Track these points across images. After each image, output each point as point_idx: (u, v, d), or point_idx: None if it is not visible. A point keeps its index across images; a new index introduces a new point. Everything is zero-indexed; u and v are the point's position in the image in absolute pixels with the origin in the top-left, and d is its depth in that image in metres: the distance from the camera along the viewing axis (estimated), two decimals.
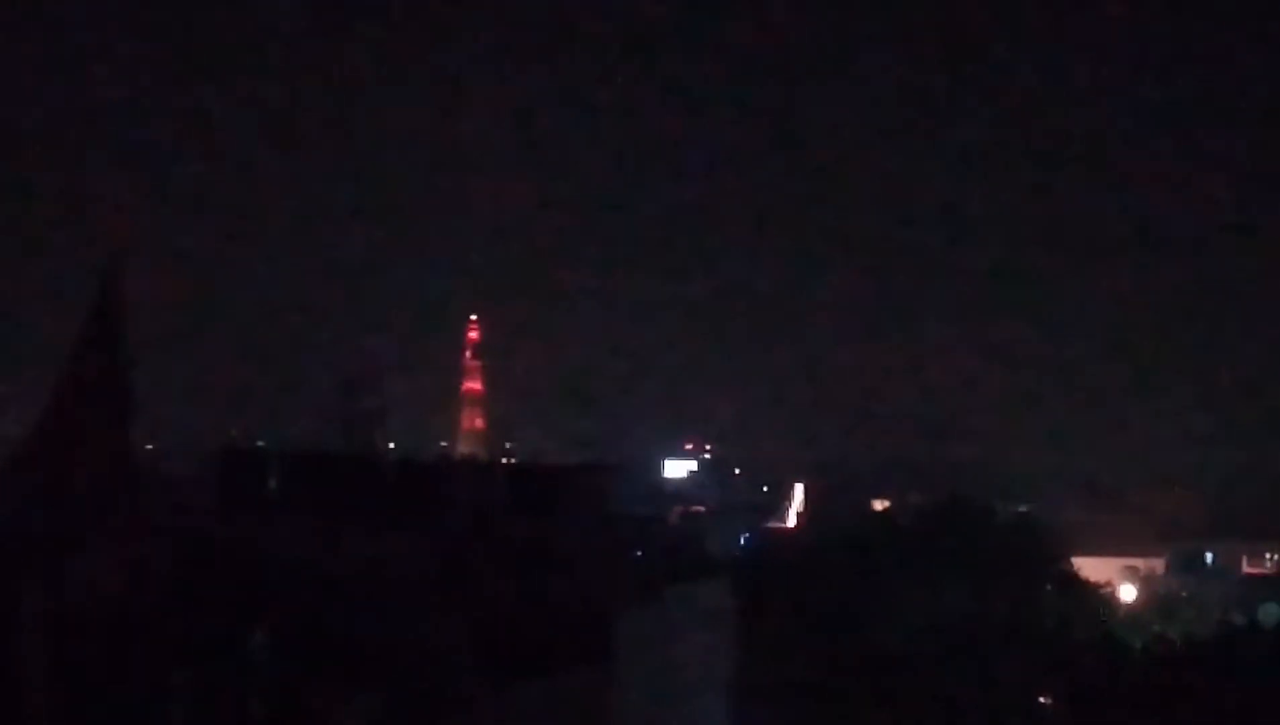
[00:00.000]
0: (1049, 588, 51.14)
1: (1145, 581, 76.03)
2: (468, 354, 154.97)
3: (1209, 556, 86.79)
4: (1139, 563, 79.85)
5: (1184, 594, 71.74)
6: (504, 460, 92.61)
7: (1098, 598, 56.69)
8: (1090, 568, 60.49)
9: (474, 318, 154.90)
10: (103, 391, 20.08)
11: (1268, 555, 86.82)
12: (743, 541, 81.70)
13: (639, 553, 51.27)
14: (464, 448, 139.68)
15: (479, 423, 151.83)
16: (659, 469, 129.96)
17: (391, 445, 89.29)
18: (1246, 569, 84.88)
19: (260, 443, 69.06)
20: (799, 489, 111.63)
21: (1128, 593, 70.51)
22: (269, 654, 25.20)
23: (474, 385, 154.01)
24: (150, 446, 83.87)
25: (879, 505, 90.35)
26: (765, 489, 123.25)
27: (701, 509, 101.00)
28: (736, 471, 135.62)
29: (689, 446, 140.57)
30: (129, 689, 20.12)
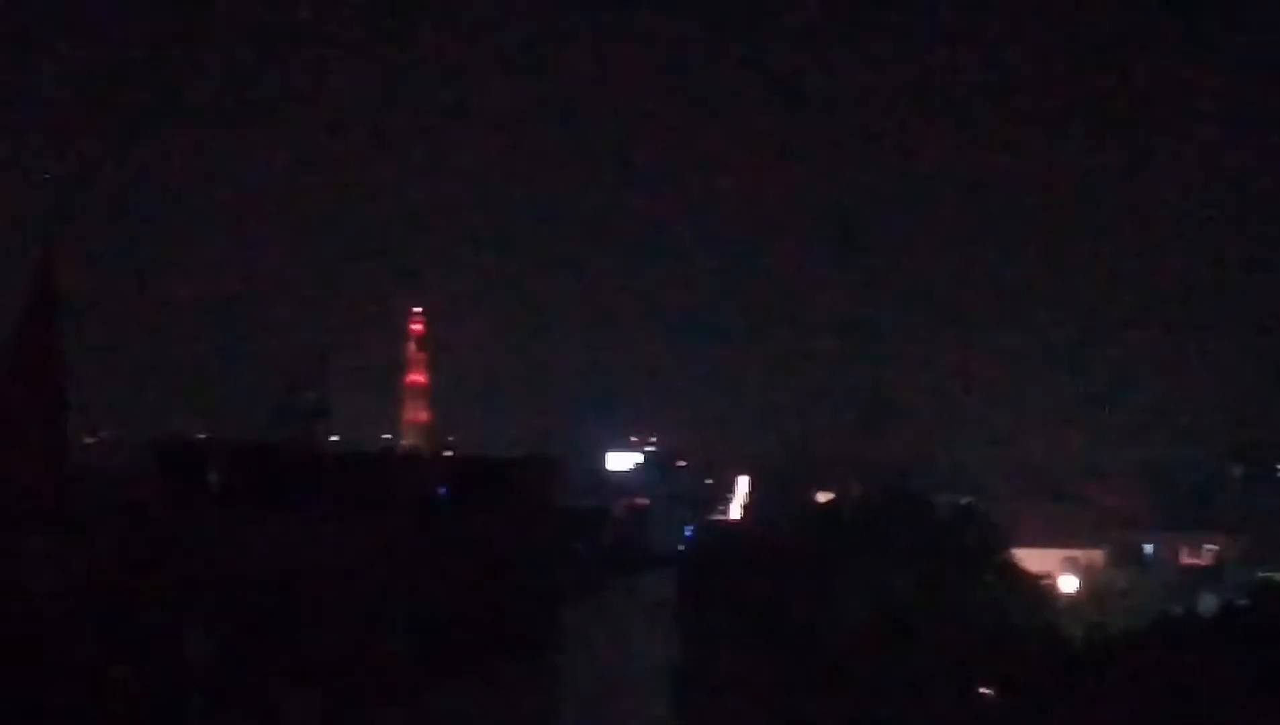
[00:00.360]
0: (989, 579, 51.39)
1: (1085, 572, 76.44)
2: (411, 346, 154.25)
3: (1148, 548, 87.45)
4: (1079, 554, 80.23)
5: (1123, 585, 72.18)
6: (447, 453, 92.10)
7: (1038, 589, 56.99)
8: (1031, 559, 60.81)
9: (417, 310, 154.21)
10: (38, 385, 19.91)
11: (1206, 547, 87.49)
12: (687, 534, 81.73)
13: (583, 545, 51.24)
14: (407, 441, 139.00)
15: (422, 416, 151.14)
16: (603, 461, 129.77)
17: (334, 438, 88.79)
18: (1185, 560, 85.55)
19: (201, 436, 68.46)
20: (743, 481, 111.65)
21: (1068, 584, 70.93)
22: (208, 648, 25.02)
23: (418, 378, 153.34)
24: (90, 440, 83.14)
25: (822, 497, 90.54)
26: (709, 481, 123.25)
27: (645, 502, 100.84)
28: (680, 464, 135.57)
29: (633, 439, 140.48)
30: (66, 684, 19.91)
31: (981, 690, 42.62)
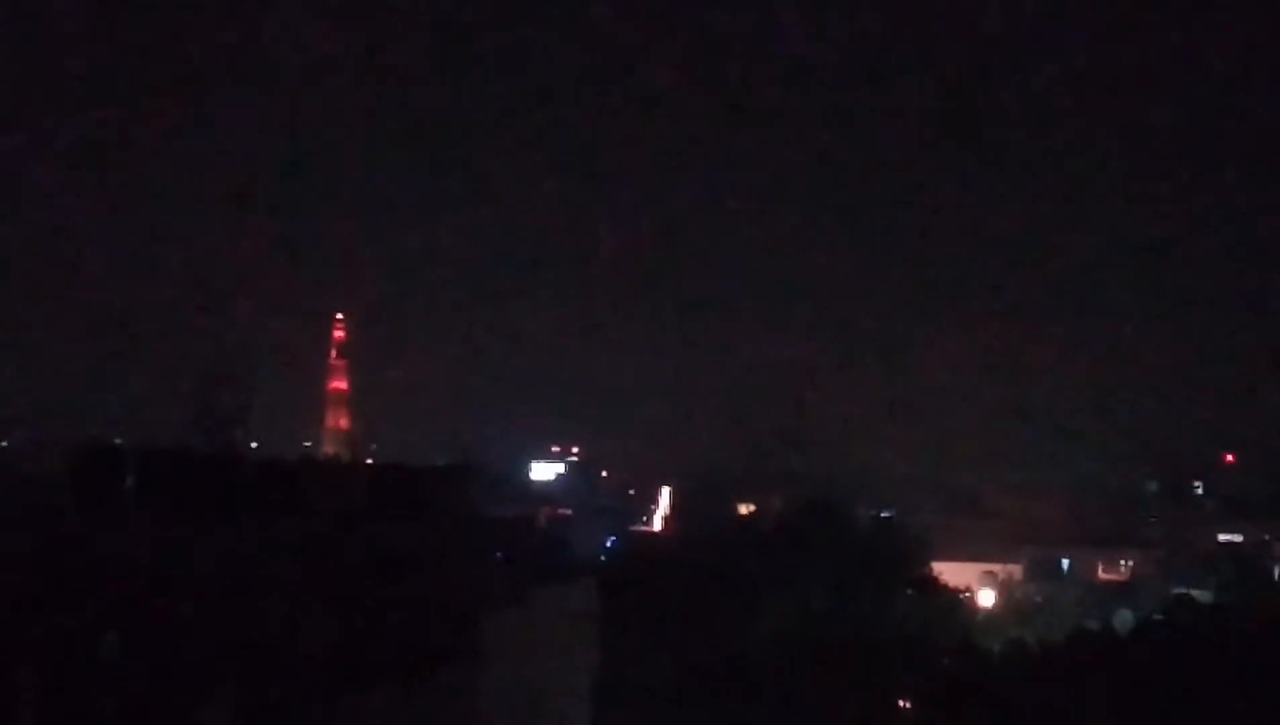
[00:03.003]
0: (909, 592, 51.67)
1: (1003, 587, 76.96)
2: (333, 353, 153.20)
3: (1065, 563, 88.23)
4: (997, 568, 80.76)
5: (1040, 599, 72.76)
6: (369, 461, 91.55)
7: (956, 602, 57.36)
8: (950, 572, 61.18)
9: (340, 316, 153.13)
10: None
11: (1122, 562, 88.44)
12: (609, 544, 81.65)
13: (506, 554, 51.02)
14: (329, 448, 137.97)
15: (344, 423, 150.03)
16: (526, 471, 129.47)
17: (254, 444, 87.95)
18: (1102, 575, 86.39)
19: (118, 441, 67.61)
20: (665, 492, 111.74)
21: (986, 597, 71.40)
22: (121, 653, 24.65)
23: (339, 384, 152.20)
24: (4, 443, 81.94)
25: (744, 509, 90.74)
26: (632, 492, 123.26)
27: (568, 512, 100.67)
28: (604, 474, 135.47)
29: (556, 449, 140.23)
30: None
31: (900, 702, 42.83)
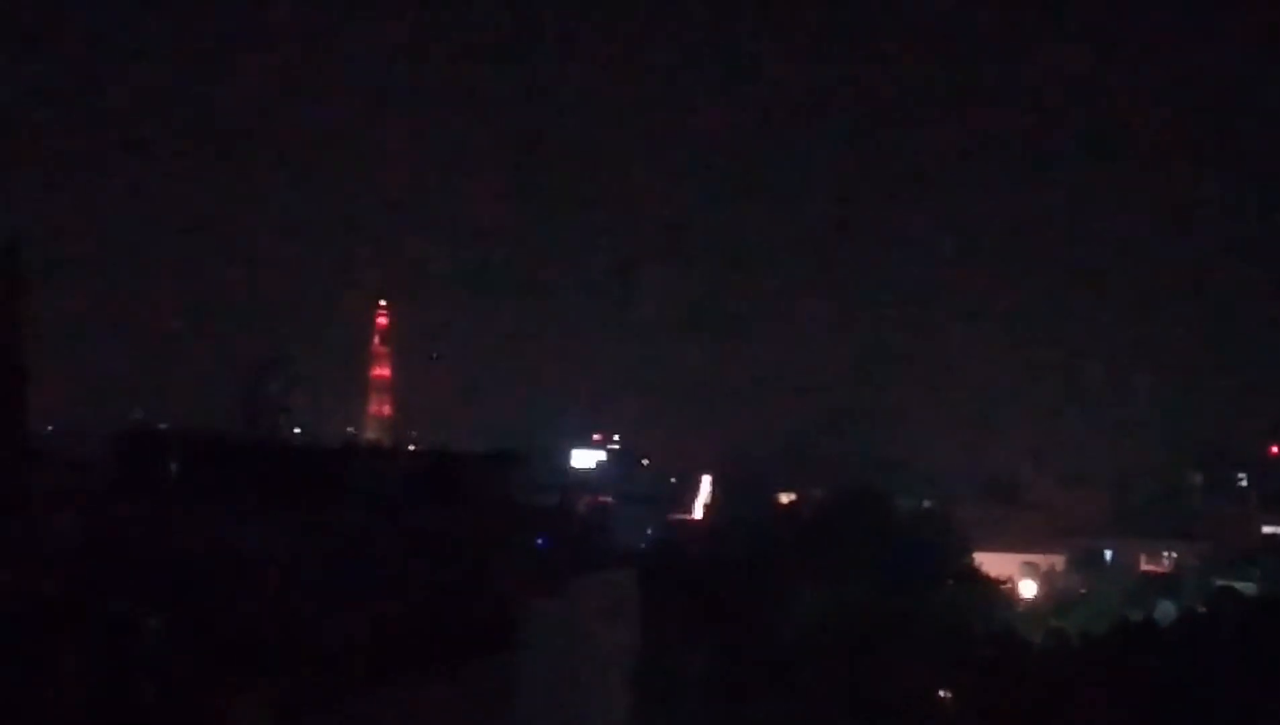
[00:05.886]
0: (950, 582, 51.51)
1: (1045, 577, 76.62)
2: (376, 340, 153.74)
3: (1108, 554, 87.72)
4: (1039, 559, 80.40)
5: (1082, 591, 72.40)
6: (411, 448, 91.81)
7: (998, 593, 57.13)
8: (991, 563, 60.97)
9: (383, 303, 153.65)
10: None
11: (1165, 554, 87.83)
12: (649, 533, 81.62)
13: (546, 542, 51.08)
14: (371, 434, 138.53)
15: (386, 409, 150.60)
16: (566, 459, 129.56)
17: (297, 431, 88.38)
18: (1144, 567, 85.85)
19: (162, 426, 68.05)
20: (706, 481, 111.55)
21: (1027, 588, 71.11)
22: (164, 640, 24.80)
23: (382, 372, 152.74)
24: (50, 428, 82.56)
25: (785, 498, 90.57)
26: (673, 480, 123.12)
27: (608, 500, 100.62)
28: (644, 462, 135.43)
29: (597, 437, 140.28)
30: (18, 667, 19.69)
31: (940, 693, 42.71)
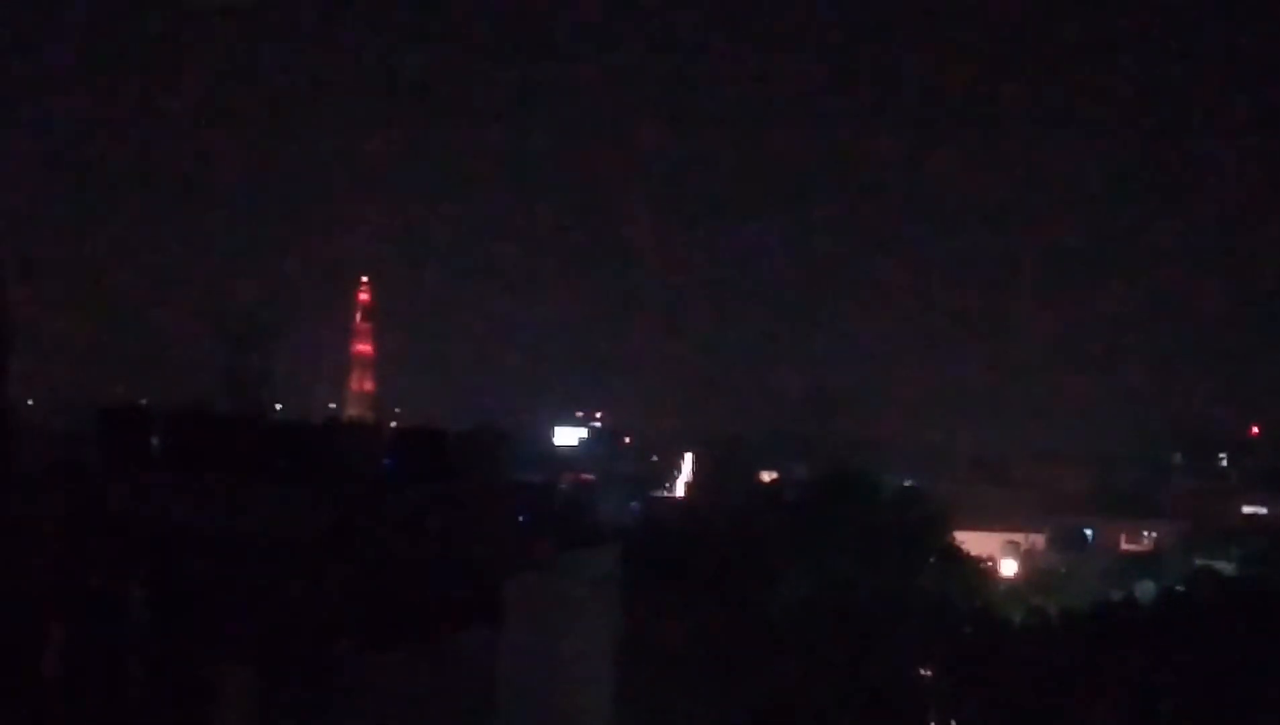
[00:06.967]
0: (931, 561, 51.58)
1: (1026, 556, 77.05)
2: (358, 316, 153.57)
3: (1088, 533, 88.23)
4: (1020, 537, 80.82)
5: (1063, 569, 72.75)
6: (393, 424, 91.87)
7: (979, 571, 57.30)
8: (973, 542, 61.18)
9: (365, 279, 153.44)
10: None
11: (1146, 533, 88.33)
12: (632, 509, 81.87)
13: (529, 518, 51.13)
14: (353, 410, 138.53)
15: (368, 385, 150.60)
16: (550, 435, 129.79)
17: (279, 406, 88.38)
18: (1125, 546, 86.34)
19: (143, 401, 67.90)
20: (688, 459, 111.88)
21: (1008, 567, 71.49)
22: (147, 612, 24.80)
23: (364, 348, 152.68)
24: (31, 402, 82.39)
25: (766, 477, 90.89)
26: (655, 458, 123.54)
27: (591, 477, 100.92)
28: (626, 440, 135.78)
29: (579, 414, 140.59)
30: (2, 643, 19.68)
31: (921, 670, 42.88)
